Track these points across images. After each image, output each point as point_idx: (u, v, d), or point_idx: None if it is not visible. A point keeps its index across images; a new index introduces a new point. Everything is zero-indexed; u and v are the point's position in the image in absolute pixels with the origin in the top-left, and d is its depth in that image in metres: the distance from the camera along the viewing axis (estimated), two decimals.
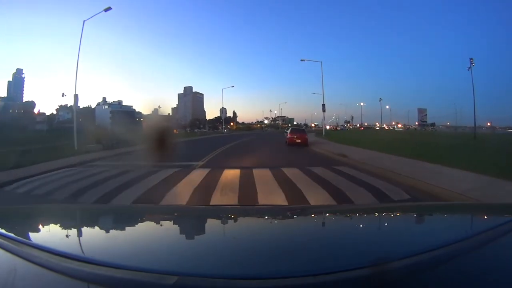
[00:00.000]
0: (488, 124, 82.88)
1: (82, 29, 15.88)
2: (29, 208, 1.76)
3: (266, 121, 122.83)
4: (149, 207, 2.29)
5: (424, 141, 20.44)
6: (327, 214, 1.40)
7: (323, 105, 31.03)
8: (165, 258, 0.76)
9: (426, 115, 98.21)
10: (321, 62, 32.47)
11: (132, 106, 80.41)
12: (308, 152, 14.75)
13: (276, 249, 0.82)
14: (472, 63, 30.90)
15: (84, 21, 15.86)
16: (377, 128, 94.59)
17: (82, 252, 0.73)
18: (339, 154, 11.69)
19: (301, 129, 22.34)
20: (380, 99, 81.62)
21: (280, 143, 21.23)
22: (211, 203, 4.52)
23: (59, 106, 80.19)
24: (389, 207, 1.69)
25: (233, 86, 39.46)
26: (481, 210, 1.48)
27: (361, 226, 1.20)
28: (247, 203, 4.69)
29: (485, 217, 1.31)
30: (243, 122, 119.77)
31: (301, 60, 34.55)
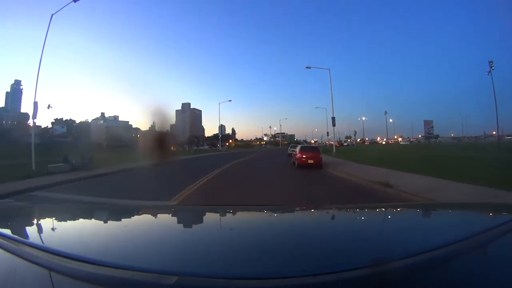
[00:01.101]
0: (494, 132, 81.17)
1: (49, 23, 13.81)
2: (29, 208, 1.78)
3: (265, 138, 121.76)
4: (149, 207, 2.30)
5: (456, 156, 17.39)
6: (327, 214, 1.41)
7: (333, 119, 26.53)
8: (165, 258, 0.77)
9: (432, 127, 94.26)
10: (329, 69, 28.23)
11: (128, 121, 78.59)
12: (329, 178, 10.99)
13: (276, 249, 0.83)
14: (492, 67, 29.83)
15: (52, 14, 13.84)
16: (382, 142, 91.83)
17: (82, 252, 0.73)
18: (377, 182, 8.20)
19: (313, 147, 18.05)
20: (386, 112, 78.77)
21: (285, 163, 18.14)
22: None
23: (55, 120, 78.09)
24: (389, 207, 1.69)
25: (230, 100, 39.40)
26: (481, 210, 1.50)
27: (361, 226, 1.21)
28: None
29: (485, 217, 1.33)
30: (242, 139, 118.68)
31: (306, 67, 29.30)
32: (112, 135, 68.75)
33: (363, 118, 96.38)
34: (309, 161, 14.28)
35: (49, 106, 70.75)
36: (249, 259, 0.75)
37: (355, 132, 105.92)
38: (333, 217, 1.36)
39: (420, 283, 0.59)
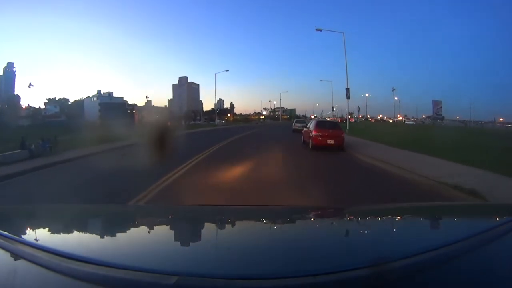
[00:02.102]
0: (501, 119, 79.19)
1: None
2: (29, 208, 1.74)
3: (264, 112, 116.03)
4: (149, 207, 2.39)
5: (491, 140, 14.83)
6: (327, 214, 1.41)
7: (347, 90, 21.68)
8: (165, 258, 0.77)
9: (441, 107, 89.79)
10: (343, 33, 23.48)
11: (123, 97, 75.84)
12: (361, 167, 8.15)
13: (276, 249, 0.84)
14: None
15: None
16: (390, 120, 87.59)
17: (82, 252, 0.73)
18: (452, 186, 5.28)
19: (333, 123, 14.12)
20: (393, 89, 73.91)
21: (294, 143, 14.44)
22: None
23: (47, 100, 75.36)
24: (389, 207, 1.69)
25: (227, 70, 36.51)
26: (481, 210, 1.52)
27: (361, 226, 1.21)
28: None
29: (485, 217, 1.33)
30: (240, 114, 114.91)
31: (317, 29, 24.05)
32: (106, 113, 66.33)
33: (367, 95, 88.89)
34: (329, 141, 11.02)
35: (30, 85, 67.76)
36: (249, 259, 0.76)
37: (359, 108, 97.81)
38: (333, 217, 1.37)
39: (420, 283, 0.60)
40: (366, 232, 1.09)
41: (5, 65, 75.86)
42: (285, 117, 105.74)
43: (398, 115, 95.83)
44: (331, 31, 26.08)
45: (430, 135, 20.27)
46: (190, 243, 0.95)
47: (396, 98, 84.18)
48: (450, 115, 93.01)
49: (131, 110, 67.78)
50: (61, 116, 67.23)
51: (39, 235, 1.02)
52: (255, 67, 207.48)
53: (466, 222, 1.25)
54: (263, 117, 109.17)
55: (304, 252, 0.80)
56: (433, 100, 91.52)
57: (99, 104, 66.97)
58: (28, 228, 1.13)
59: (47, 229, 1.14)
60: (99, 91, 77.11)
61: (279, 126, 47.35)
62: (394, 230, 1.13)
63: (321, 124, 12.41)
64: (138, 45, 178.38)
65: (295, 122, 25.94)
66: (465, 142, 14.63)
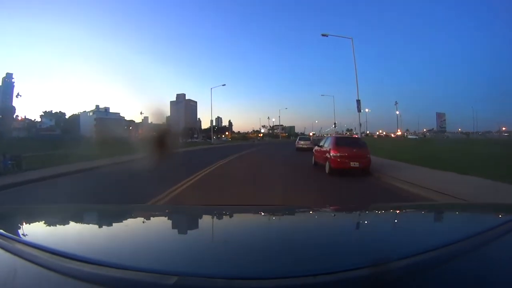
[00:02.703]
0: (504, 128, 78.53)
1: None
2: (29, 208, 1.77)
3: (263, 130, 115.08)
4: (149, 207, 2.37)
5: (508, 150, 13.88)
6: (327, 215, 1.41)
7: (358, 102, 18.29)
8: (165, 258, 0.77)
9: (445, 120, 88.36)
10: (351, 38, 20.17)
11: (119, 113, 74.96)
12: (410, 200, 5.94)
13: (276, 249, 0.84)
14: None
15: None
16: (393, 136, 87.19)
17: (82, 252, 0.73)
18: None
19: (356, 140, 11.12)
20: (396, 103, 73.37)
21: (300, 164, 12.41)
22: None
23: (43, 113, 74.36)
24: (389, 207, 1.67)
25: (224, 85, 34.98)
26: (481, 210, 1.51)
27: (361, 226, 1.21)
28: None
29: (485, 217, 1.33)
30: (238, 132, 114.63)
31: (322, 35, 20.56)
32: (101, 128, 65.01)
33: (367, 110, 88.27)
34: (352, 164, 8.75)
35: (18, 95, 66.72)
36: (249, 259, 0.76)
37: (360, 124, 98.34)
38: (333, 217, 1.37)
39: (420, 284, 0.60)
40: (366, 232, 1.10)
41: (4, 75, 75.39)
42: (284, 134, 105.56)
43: (399, 130, 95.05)
44: (339, 36, 22.77)
45: (444, 149, 19.14)
46: (190, 243, 0.94)
47: (397, 112, 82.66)
48: (450, 127, 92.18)
49: (128, 126, 66.82)
50: (56, 130, 66.03)
51: (39, 235, 1.02)
52: (254, 85, 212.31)
53: (466, 222, 1.26)
54: (261, 135, 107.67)
55: (304, 252, 0.80)
56: (436, 113, 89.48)
57: (95, 119, 66.46)
58: (28, 228, 1.12)
59: (47, 229, 1.14)
60: (97, 106, 76.57)
61: (278, 144, 45.44)
62: (394, 230, 1.13)
63: (342, 141, 9.93)
64: (139, 62, 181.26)
65: (299, 139, 25.31)
66: (491, 154, 13.29)
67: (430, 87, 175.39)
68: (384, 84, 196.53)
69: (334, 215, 1.39)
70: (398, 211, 1.45)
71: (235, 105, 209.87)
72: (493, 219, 1.23)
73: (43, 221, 1.25)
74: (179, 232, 1.12)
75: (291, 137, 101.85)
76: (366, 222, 1.28)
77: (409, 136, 76.94)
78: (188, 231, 1.13)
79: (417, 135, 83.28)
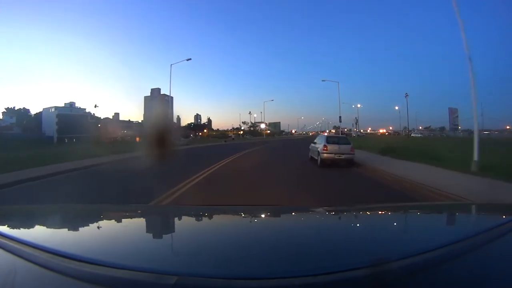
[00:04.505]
0: (507, 127, 73.46)
1: None
2: (29, 208, 1.75)
3: (244, 127, 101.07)
4: (149, 207, 2.35)
5: None
6: (327, 215, 1.41)
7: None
8: (165, 258, 0.78)
9: (457, 116, 75.24)
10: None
11: (85, 109, 69.67)
12: None
13: (276, 249, 0.84)
14: None
15: None
16: (393, 133, 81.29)
17: (82, 252, 0.74)
18: None
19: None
20: (406, 95, 61.77)
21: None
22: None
23: (6, 109, 68.34)
24: (389, 207, 1.68)
25: (189, 59, 28.79)
26: (481, 210, 1.51)
27: (361, 226, 1.22)
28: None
29: (485, 217, 1.34)
30: (218, 129, 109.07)
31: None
32: (64, 126, 59.71)
33: (358, 105, 76.65)
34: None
35: None
36: (249, 259, 0.76)
37: (356, 120, 78.66)
38: (333, 217, 1.36)
39: (420, 283, 0.60)
40: (366, 232, 1.09)
41: None
42: (267, 132, 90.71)
43: (390, 127, 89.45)
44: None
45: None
46: (190, 243, 0.94)
47: (396, 107, 76.63)
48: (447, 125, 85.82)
49: (96, 124, 62.01)
50: (14, 128, 60.71)
51: (39, 235, 1.02)
52: (235, 80, 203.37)
53: (466, 222, 1.26)
54: (241, 132, 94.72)
55: (304, 252, 0.80)
56: (449, 108, 77.39)
57: (57, 116, 59.42)
58: (28, 228, 1.13)
59: (47, 229, 1.15)
60: (72, 103, 70.62)
61: (262, 143, 34.56)
62: (394, 230, 1.14)
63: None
64: (114, 58, 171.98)
65: (322, 141, 11.62)
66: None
67: (440, 82, 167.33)
68: (378, 80, 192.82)
69: (334, 215, 1.39)
70: (398, 211, 1.46)
71: (215, 102, 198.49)
72: (493, 219, 1.24)
73: (43, 221, 1.25)
74: (179, 232, 1.11)
75: (275, 135, 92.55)
76: (366, 222, 1.28)
77: (412, 135, 67.96)
78: (188, 231, 1.12)
79: (421, 133, 76.06)
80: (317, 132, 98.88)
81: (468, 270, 0.67)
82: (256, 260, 0.74)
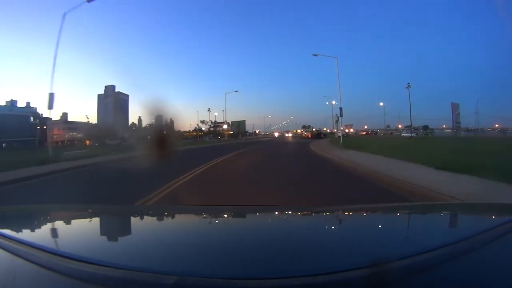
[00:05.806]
0: (496, 125, 72.17)
1: None
2: (29, 208, 1.75)
3: (204, 127, 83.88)
4: (149, 207, 2.34)
5: None
6: (327, 214, 1.42)
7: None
8: (165, 258, 0.78)
9: (459, 113, 64.95)
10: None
11: (36, 108, 58.04)
12: None
13: (276, 249, 0.84)
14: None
15: None
16: (382, 134, 77.37)
17: (82, 252, 0.74)
18: None
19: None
20: (408, 85, 50.92)
21: None
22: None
23: None
24: (389, 207, 1.67)
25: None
26: (481, 210, 1.50)
27: (360, 226, 1.21)
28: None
29: (485, 217, 1.33)
30: (179, 130, 51.30)
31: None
32: (2, 128, 46.33)
33: (333, 102, 55.08)
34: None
35: None
36: (249, 259, 0.76)
37: (338, 117, 48.86)
38: (332, 217, 1.36)
39: (420, 283, 0.60)
40: (365, 232, 1.08)
41: None
42: (229, 132, 77.60)
43: (365, 126, 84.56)
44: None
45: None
46: (190, 243, 0.93)
47: (381, 103, 72.33)
48: (435, 124, 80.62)
49: (42, 126, 51.01)
50: None
51: (39, 235, 1.03)
52: (194, 75, 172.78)
53: (466, 222, 1.25)
54: (202, 133, 79.40)
55: (304, 252, 0.80)
56: (451, 103, 64.82)
57: None
58: (28, 228, 1.13)
59: (47, 229, 1.15)
60: (15, 101, 55.32)
61: (233, 147, 22.70)
62: (394, 230, 1.12)
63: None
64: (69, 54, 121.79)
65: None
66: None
67: (440, 77, 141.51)
68: (366, 78, 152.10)
69: (334, 215, 1.38)
70: (397, 211, 1.45)
71: (179, 101, 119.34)
72: (493, 219, 1.23)
73: (43, 221, 1.26)
74: (179, 232, 1.12)
75: (240, 136, 79.96)
76: (366, 222, 1.27)
77: (403, 134, 62.82)
78: (188, 231, 1.12)
79: (416, 133, 67.61)
80: (281, 132, 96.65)
81: (468, 270, 0.66)
82: (256, 260, 0.74)
